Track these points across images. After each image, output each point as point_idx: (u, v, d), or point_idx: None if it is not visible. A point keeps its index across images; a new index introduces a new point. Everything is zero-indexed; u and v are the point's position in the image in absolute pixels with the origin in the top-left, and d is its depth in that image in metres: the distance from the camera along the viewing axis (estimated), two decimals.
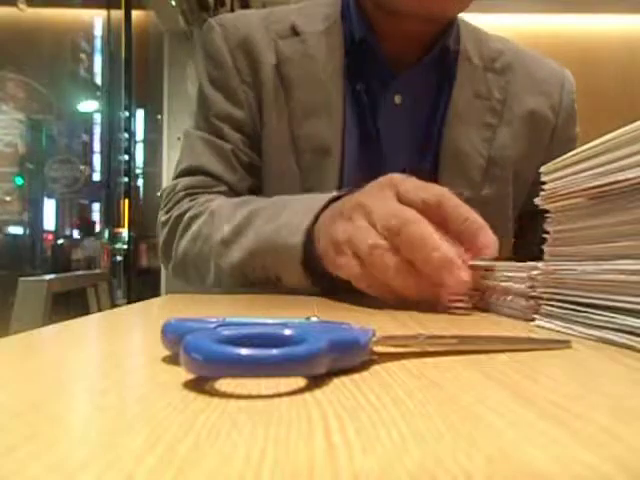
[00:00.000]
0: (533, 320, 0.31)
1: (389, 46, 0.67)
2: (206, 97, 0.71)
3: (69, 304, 1.15)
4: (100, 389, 0.16)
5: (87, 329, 0.33)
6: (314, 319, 0.25)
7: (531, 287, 0.32)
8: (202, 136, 0.70)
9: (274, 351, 0.16)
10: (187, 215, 0.64)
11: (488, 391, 0.16)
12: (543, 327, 0.30)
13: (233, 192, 0.68)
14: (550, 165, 0.32)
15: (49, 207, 3.44)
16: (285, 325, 0.20)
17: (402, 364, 0.19)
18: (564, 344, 0.24)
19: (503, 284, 0.36)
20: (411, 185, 0.42)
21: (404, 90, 0.68)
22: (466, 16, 0.71)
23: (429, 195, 0.40)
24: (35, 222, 3.32)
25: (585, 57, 3.51)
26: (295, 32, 0.69)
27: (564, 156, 0.30)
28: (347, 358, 0.18)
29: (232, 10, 2.20)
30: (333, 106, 0.67)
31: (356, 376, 0.18)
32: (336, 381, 0.17)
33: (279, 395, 0.15)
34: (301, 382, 0.17)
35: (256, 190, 0.69)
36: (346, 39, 0.68)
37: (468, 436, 0.12)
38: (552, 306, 0.30)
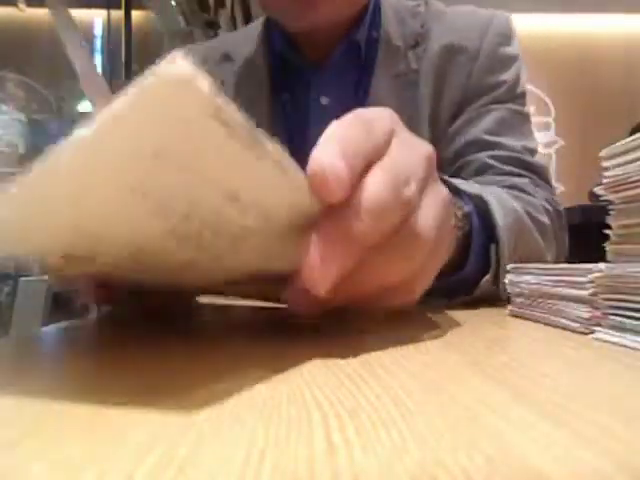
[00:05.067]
0: (593, 332, 0.26)
1: (310, 52, 0.67)
2: None
3: (70, 304, 1.15)
4: (100, 389, 0.16)
5: (87, 329, 0.33)
6: None
7: (593, 294, 0.26)
8: None
9: None
10: None
11: (488, 391, 0.16)
12: (606, 341, 0.25)
13: None
14: (611, 149, 0.26)
15: None
16: None
17: (402, 364, 0.20)
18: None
19: (556, 290, 0.30)
20: None
21: (326, 90, 0.67)
22: None
23: None
24: None
25: (584, 57, 3.51)
26: (228, 58, 0.72)
27: (627, 140, 0.25)
28: None
29: (232, 11, 2.19)
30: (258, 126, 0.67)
31: (356, 376, 0.18)
32: (336, 381, 0.17)
33: (279, 395, 0.15)
34: (301, 382, 0.17)
35: None
36: (271, 55, 0.69)
37: (468, 436, 0.12)
38: (618, 315, 0.24)
